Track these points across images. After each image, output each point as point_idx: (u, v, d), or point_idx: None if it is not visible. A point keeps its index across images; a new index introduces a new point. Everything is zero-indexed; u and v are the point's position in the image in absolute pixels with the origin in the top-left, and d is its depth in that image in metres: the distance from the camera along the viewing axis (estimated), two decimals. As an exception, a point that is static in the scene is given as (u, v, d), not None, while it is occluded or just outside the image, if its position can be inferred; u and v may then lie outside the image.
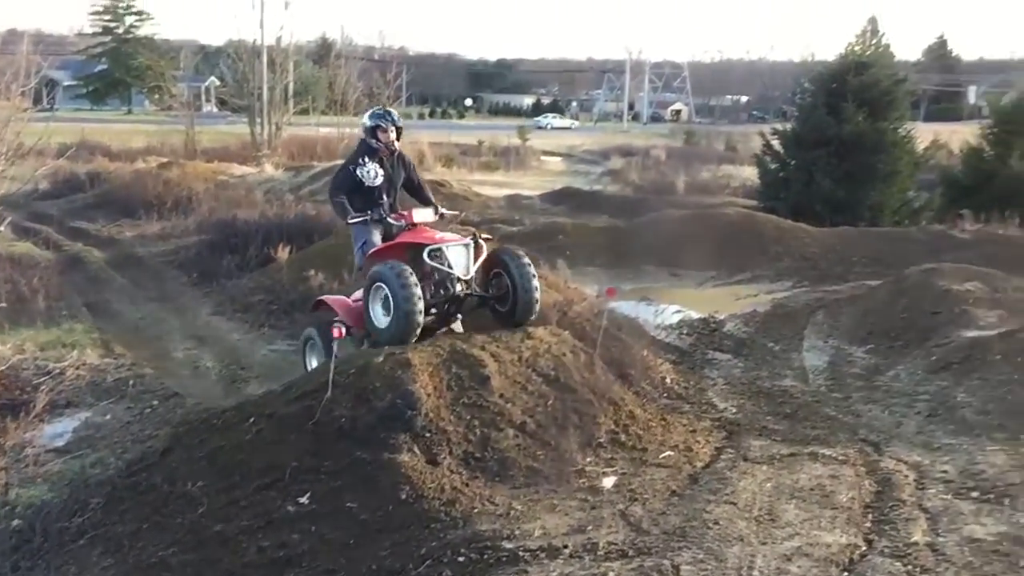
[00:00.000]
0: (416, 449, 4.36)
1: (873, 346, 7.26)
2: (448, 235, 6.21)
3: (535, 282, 5.98)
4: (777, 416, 5.61)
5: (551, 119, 57.89)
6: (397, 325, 5.52)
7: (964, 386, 5.73)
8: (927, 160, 19.69)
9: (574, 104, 75.57)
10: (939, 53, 62.60)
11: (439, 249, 5.88)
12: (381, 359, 4.98)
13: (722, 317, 8.41)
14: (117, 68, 56.77)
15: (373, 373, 4.86)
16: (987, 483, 4.17)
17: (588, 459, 4.58)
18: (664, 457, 4.70)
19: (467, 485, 4.19)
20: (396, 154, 6.51)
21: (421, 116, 55.04)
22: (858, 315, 8.09)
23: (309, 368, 6.45)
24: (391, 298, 5.53)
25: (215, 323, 8.85)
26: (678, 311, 8.83)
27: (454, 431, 4.51)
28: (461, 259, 5.91)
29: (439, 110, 63.63)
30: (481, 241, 6.12)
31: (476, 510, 4.00)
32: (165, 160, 21.96)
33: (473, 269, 5.93)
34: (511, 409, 4.70)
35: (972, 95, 60.52)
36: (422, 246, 5.89)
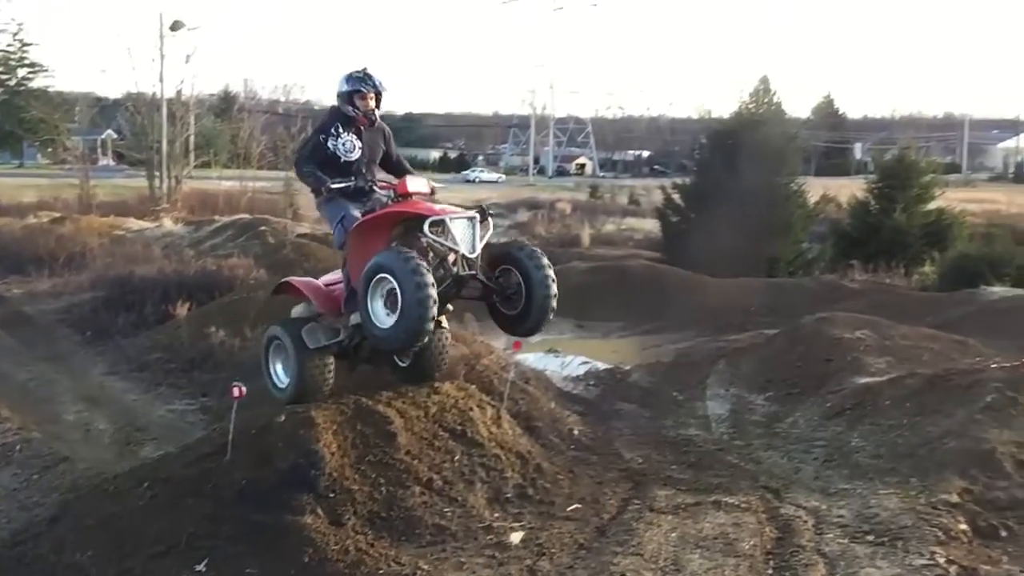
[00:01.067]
0: (320, 510, 4.25)
1: (772, 394, 7.45)
2: (450, 206, 5.38)
3: (553, 284, 5.24)
4: (682, 465, 5.68)
5: (479, 172, 59.63)
6: (407, 326, 4.76)
7: (857, 431, 5.91)
8: (818, 213, 20.60)
9: (480, 158, 76.54)
10: (827, 111, 65.66)
11: (442, 221, 5.06)
12: (283, 418, 4.86)
13: (628, 367, 8.53)
14: (8, 121, 54.66)
15: (275, 433, 4.74)
16: (881, 526, 4.30)
17: (495, 515, 4.55)
18: (571, 510, 4.70)
19: (372, 546, 4.10)
20: (375, 125, 5.69)
21: (326, 170, 54.83)
22: (757, 363, 8.30)
23: (274, 379, 5.70)
24: (399, 293, 4.75)
25: (109, 383, 8.49)
26: (585, 362, 8.93)
27: (359, 490, 4.42)
28: (467, 234, 5.12)
29: (345, 164, 63.53)
30: (489, 217, 5.34)
31: (382, 571, 3.93)
32: (58, 215, 21.21)
33: (479, 247, 5.17)
34: (418, 466, 4.64)
35: (858, 151, 63.71)
36: (421, 217, 5.07)
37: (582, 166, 71.73)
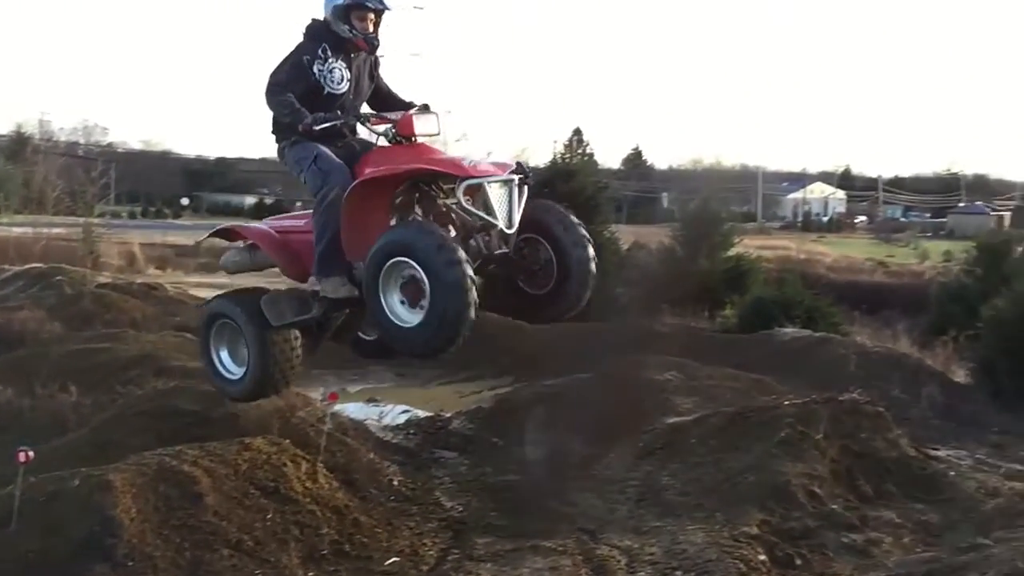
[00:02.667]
0: (117, 580, 3.96)
1: (588, 436, 7.64)
2: (483, 162, 4.26)
3: (593, 257, 4.40)
4: (502, 511, 5.70)
5: None
6: (439, 328, 3.90)
7: (667, 470, 6.14)
8: (629, 259, 21.48)
9: (299, 204, 75.13)
10: (636, 162, 69.05)
11: (479, 185, 4.07)
12: (76, 483, 4.50)
13: (449, 415, 8.51)
14: None
15: (66, 499, 4.38)
16: (688, 561, 4.48)
17: (310, 573, 4.39)
18: (390, 563, 4.62)
19: (176, 615, 3.87)
20: (370, 54, 4.71)
21: (132, 215, 52.04)
22: (573, 407, 8.51)
23: (221, 371, 4.89)
24: (427, 282, 3.83)
25: None
26: (405, 411, 8.82)
27: (161, 556, 4.15)
28: (505, 203, 4.15)
29: (152, 209, 60.57)
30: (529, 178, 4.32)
31: (186, 642, 3.70)
32: None
33: (518, 218, 4.21)
34: (226, 527, 4.42)
35: (665, 200, 67.24)
36: (451, 177, 4.12)
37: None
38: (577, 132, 21.64)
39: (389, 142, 4.44)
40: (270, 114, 4.74)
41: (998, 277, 14.66)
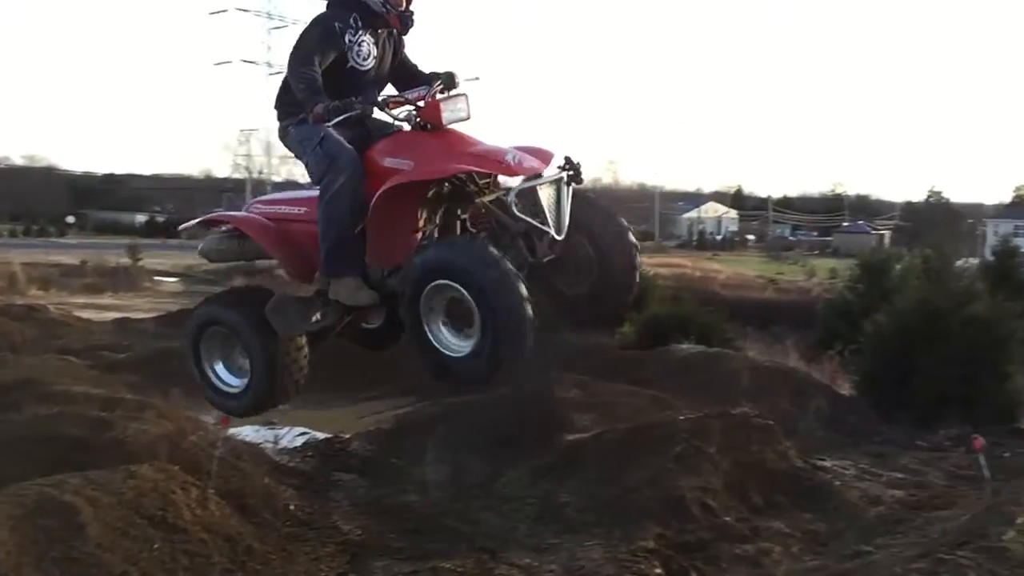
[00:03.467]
0: (-10, 620, 3.74)
1: (489, 454, 7.64)
2: (526, 156, 3.94)
3: (637, 250, 4.18)
4: (401, 533, 5.64)
5: None
6: (495, 355, 3.59)
7: (567, 487, 6.19)
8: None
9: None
10: (535, 182, 69.64)
11: (529, 192, 3.78)
12: (-54, 517, 4.25)
13: (348, 436, 8.39)
14: None
15: (-66, 535, 4.13)
16: (587, 577, 4.52)
17: (200, 604, 4.25)
18: (284, 590, 4.52)
19: (54, 653, 3.67)
20: (402, 33, 4.39)
21: (13, 234, 49.83)
22: (476, 426, 8.50)
23: (217, 384, 4.59)
24: (481, 310, 3.51)
25: None
26: (303, 433, 8.67)
27: (41, 591, 3.95)
28: (554, 205, 3.87)
29: (35, 228, 58.03)
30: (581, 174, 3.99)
31: None
32: None
33: (567, 221, 3.93)
34: (110, 559, 4.22)
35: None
36: (490, 180, 3.85)
37: (301, 232, 70.70)
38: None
39: (415, 124, 4.08)
40: (277, 84, 4.37)
41: (879, 293, 15.33)
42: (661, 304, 19.31)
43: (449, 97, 4.13)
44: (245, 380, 4.60)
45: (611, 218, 4.24)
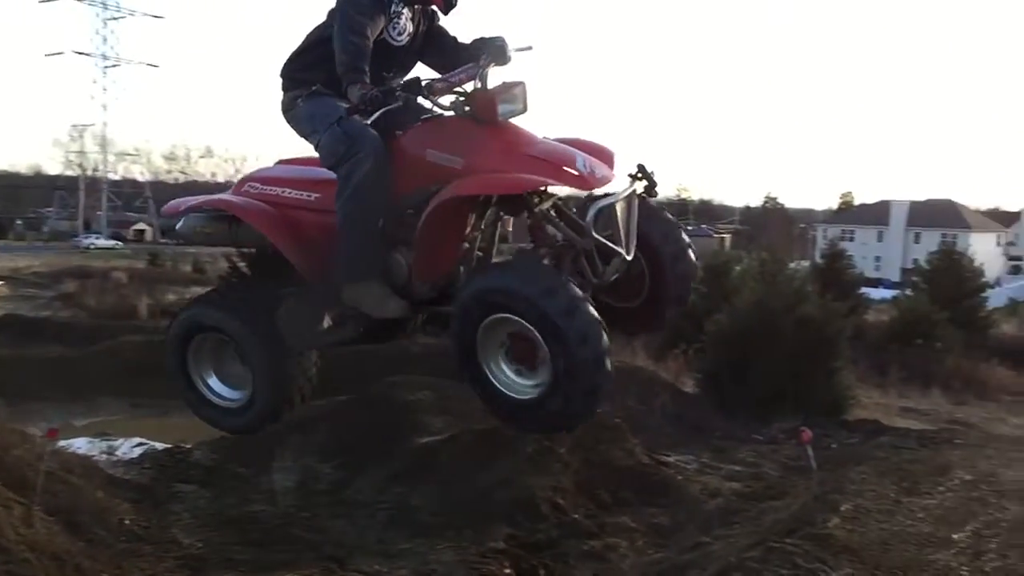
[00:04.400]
0: None
1: (341, 460, 7.48)
2: (596, 163, 3.57)
3: (697, 263, 3.89)
4: (244, 545, 5.44)
5: (94, 239, 55.09)
6: (571, 396, 3.19)
7: (419, 490, 6.14)
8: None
9: (18, 223, 68.95)
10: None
11: (608, 208, 3.43)
12: None
13: (189, 446, 8.04)
14: None
15: None
16: (435, 581, 4.50)
17: (22, 630, 3.97)
18: (117, 609, 4.27)
19: None
20: (444, 14, 4.01)
21: None
22: (327, 431, 8.29)
23: (210, 396, 4.06)
24: (546, 343, 3.16)
25: None
26: (141, 444, 8.27)
27: None
28: (626, 221, 3.57)
29: None
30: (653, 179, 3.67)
31: None
32: None
33: (634, 239, 3.63)
34: (-81, 586, 3.90)
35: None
36: (559, 194, 3.43)
37: (140, 232, 67.76)
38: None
39: (461, 112, 3.63)
40: (284, 51, 4.05)
41: (720, 294, 16.09)
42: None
43: (506, 88, 3.67)
44: (246, 392, 4.13)
45: (673, 232, 3.92)
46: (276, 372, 4.01)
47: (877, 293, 33.69)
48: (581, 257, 3.59)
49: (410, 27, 3.98)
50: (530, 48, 3.76)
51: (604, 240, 3.51)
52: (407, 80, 3.63)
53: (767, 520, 4.94)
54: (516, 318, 3.27)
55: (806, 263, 25.13)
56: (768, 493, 5.75)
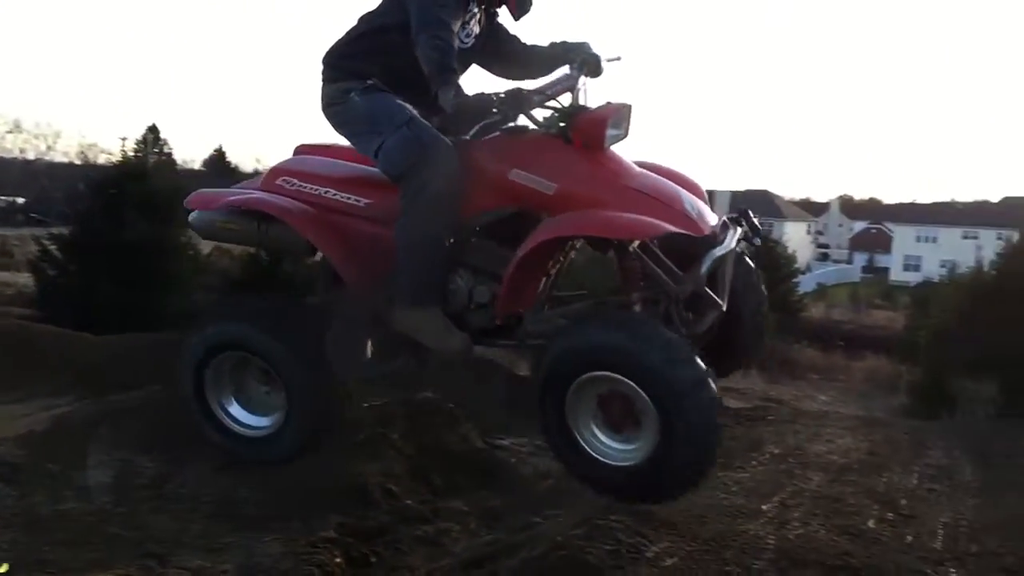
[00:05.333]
0: None
1: (161, 454, 7.15)
2: (701, 205, 3.33)
3: (766, 309, 3.62)
4: (55, 545, 5.12)
5: None
6: (681, 467, 2.95)
7: (246, 482, 5.94)
8: (210, 264, 20.65)
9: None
10: (219, 165, 66.70)
11: (721, 259, 3.20)
12: None
13: (-9, 442, 7.48)
14: None
15: None
16: (264, 573, 4.39)
17: None
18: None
19: None
20: (515, 17, 3.66)
21: None
22: (145, 423, 7.88)
23: (225, 422, 3.62)
24: (657, 410, 2.91)
25: None
26: (-65, 442, 7.60)
27: None
28: (728, 271, 3.37)
29: None
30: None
31: None
32: None
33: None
34: None
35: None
36: (667, 239, 3.13)
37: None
38: (153, 129, 20.32)
39: (555, 132, 3.32)
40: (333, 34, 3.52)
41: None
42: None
43: (615, 111, 3.38)
44: (276, 418, 3.70)
45: (755, 282, 3.73)
46: (318, 397, 3.64)
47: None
48: (677, 305, 3.33)
49: (477, 28, 3.68)
50: (619, 59, 3.63)
51: (708, 291, 3.28)
52: (509, 91, 3.30)
53: (596, 499, 5.10)
54: (627, 379, 3.02)
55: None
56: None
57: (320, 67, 3.77)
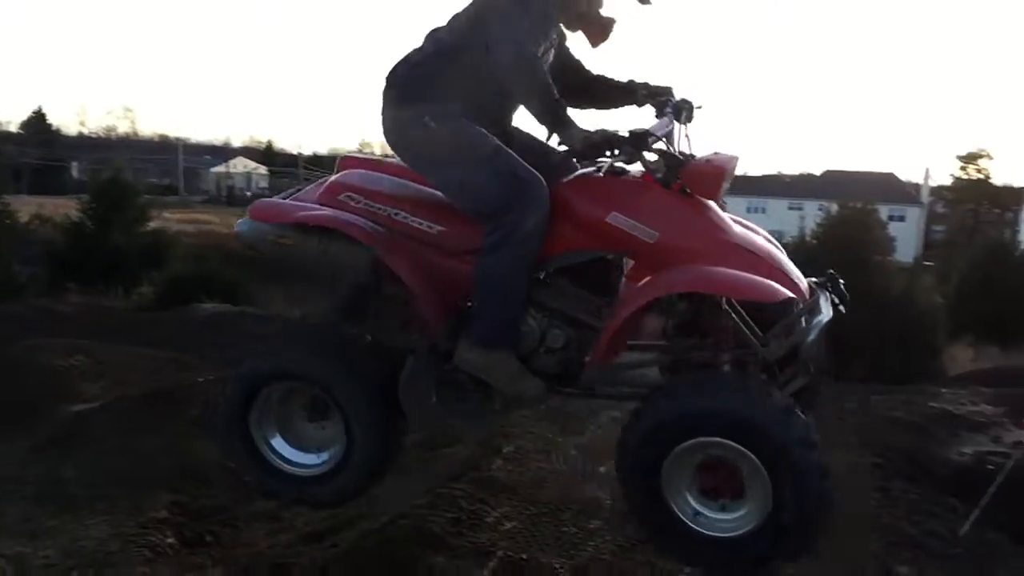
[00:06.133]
0: None
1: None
2: (796, 269, 3.21)
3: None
4: None
5: None
6: (790, 536, 2.77)
7: (71, 462, 5.64)
8: (31, 233, 19.39)
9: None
10: (38, 127, 62.27)
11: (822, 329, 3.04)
12: None
13: None
14: None
15: None
16: (88, 558, 4.16)
17: None
18: None
19: None
20: (592, 45, 3.38)
21: None
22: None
23: (270, 459, 3.41)
24: (771, 477, 2.76)
25: None
26: None
27: None
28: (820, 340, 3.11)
29: None
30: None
31: None
32: None
33: None
34: None
35: (75, 170, 61.71)
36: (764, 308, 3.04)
37: None
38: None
39: (667, 179, 3.12)
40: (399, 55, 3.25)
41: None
42: (184, 263, 18.55)
43: (730, 162, 3.25)
44: (328, 454, 3.48)
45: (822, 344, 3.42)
46: (382, 431, 3.41)
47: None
48: (769, 368, 3.19)
49: (551, 54, 3.42)
50: (700, 107, 3.45)
51: (798, 355, 3.12)
52: (634, 131, 3.09)
53: (442, 467, 5.12)
54: (740, 446, 2.87)
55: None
56: (442, 441, 5.94)
57: (384, 87, 3.43)
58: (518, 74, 3.06)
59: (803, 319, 3.14)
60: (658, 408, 2.95)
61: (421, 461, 5.38)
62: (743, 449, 2.83)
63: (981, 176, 47.00)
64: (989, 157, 41.97)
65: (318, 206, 3.41)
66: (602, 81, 3.58)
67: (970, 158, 55.27)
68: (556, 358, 3.27)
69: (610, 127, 3.10)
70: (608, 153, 3.06)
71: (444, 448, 5.70)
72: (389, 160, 3.74)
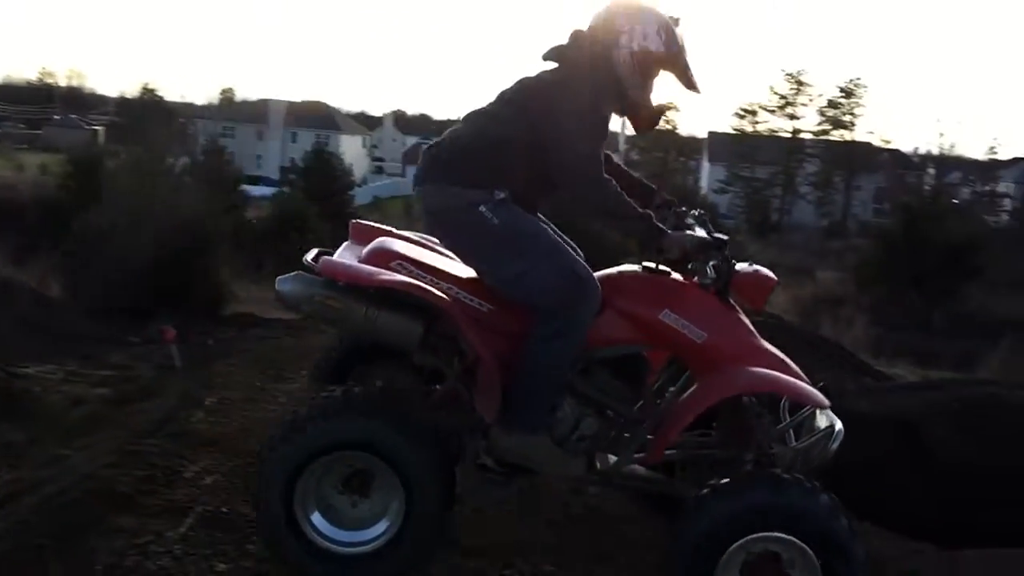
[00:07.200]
0: None
1: None
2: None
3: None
4: None
5: None
6: None
7: None
8: None
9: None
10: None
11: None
12: None
13: None
14: None
15: None
16: None
17: None
18: None
19: None
20: (638, 131, 3.50)
21: None
22: None
23: (311, 536, 2.91)
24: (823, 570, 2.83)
25: None
26: None
27: None
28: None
29: None
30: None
31: None
32: None
33: None
34: None
35: None
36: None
37: None
38: None
39: (719, 288, 3.24)
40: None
41: (92, 191, 15.02)
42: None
43: (770, 276, 3.43)
44: (379, 530, 3.09)
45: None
46: (436, 524, 3.13)
47: (258, 190, 34.62)
48: (789, 469, 3.17)
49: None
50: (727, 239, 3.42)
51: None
52: (705, 241, 3.24)
53: (137, 422, 4.85)
54: (798, 541, 2.92)
55: (186, 159, 24.69)
56: (138, 396, 5.63)
57: (427, 162, 3.34)
58: (590, 193, 3.20)
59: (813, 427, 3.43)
60: (709, 507, 2.99)
61: (111, 419, 5.08)
62: (796, 540, 2.95)
63: (669, 127, 51.22)
64: (676, 109, 45.68)
65: (380, 270, 3.18)
66: (627, 176, 3.59)
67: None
68: (586, 445, 3.35)
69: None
70: (699, 259, 3.26)
71: (140, 403, 5.42)
72: (396, 230, 3.63)
